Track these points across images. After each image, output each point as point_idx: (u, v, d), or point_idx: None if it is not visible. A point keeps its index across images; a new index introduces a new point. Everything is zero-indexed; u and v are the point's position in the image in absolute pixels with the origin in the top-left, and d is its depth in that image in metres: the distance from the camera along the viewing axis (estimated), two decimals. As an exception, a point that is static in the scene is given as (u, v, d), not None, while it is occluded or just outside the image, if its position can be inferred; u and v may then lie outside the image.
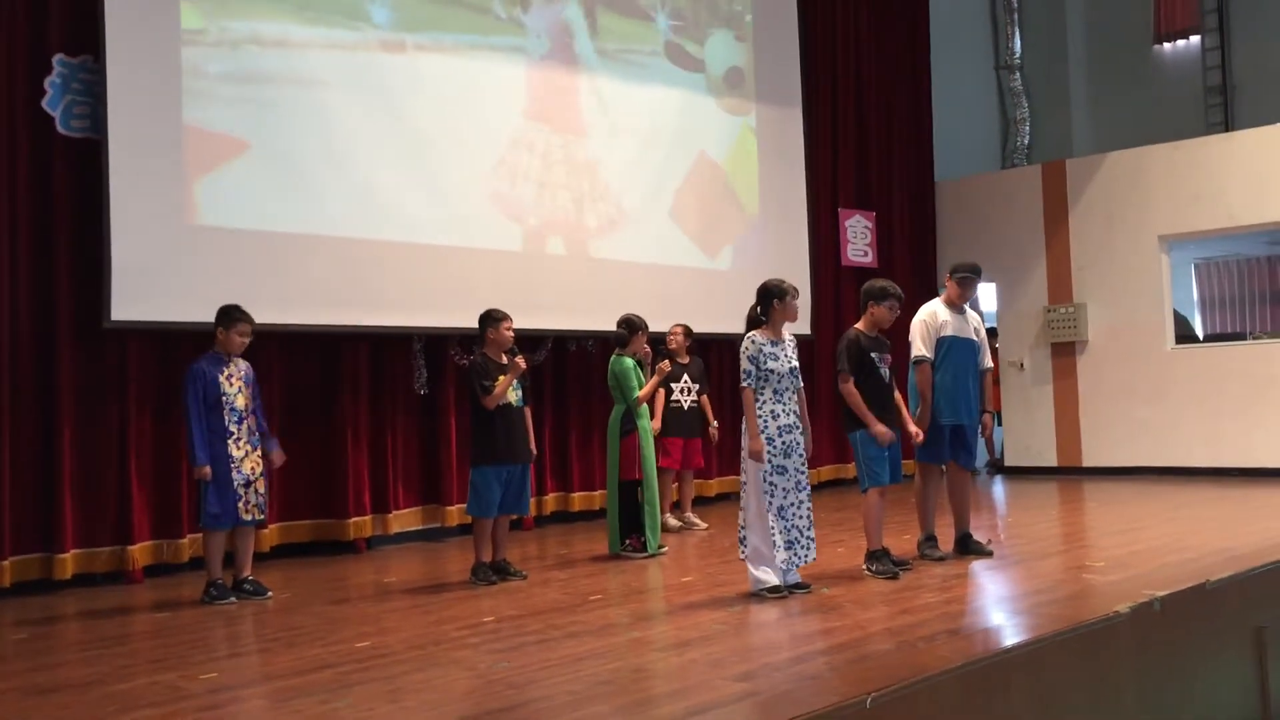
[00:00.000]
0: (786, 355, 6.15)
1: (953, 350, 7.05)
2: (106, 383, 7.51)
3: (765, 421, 6.02)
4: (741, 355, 6.10)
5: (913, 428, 6.75)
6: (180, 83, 7.69)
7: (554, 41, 9.87)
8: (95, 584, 7.37)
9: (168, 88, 7.64)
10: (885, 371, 6.62)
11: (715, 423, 9.20)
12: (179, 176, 7.66)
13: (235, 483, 6.56)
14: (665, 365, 8.25)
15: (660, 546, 7.79)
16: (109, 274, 7.29)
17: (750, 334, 6.13)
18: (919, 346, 7.06)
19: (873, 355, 6.57)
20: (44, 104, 7.32)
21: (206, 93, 7.81)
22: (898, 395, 6.73)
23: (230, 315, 6.69)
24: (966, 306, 7.27)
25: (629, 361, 7.91)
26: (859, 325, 6.73)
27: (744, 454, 6.07)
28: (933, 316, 7.13)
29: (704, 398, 9.13)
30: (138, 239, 7.41)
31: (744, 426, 6.09)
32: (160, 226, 7.55)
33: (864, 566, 6.56)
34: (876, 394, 6.55)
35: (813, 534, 6.10)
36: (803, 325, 11.20)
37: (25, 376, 7.20)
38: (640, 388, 7.88)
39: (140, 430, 7.60)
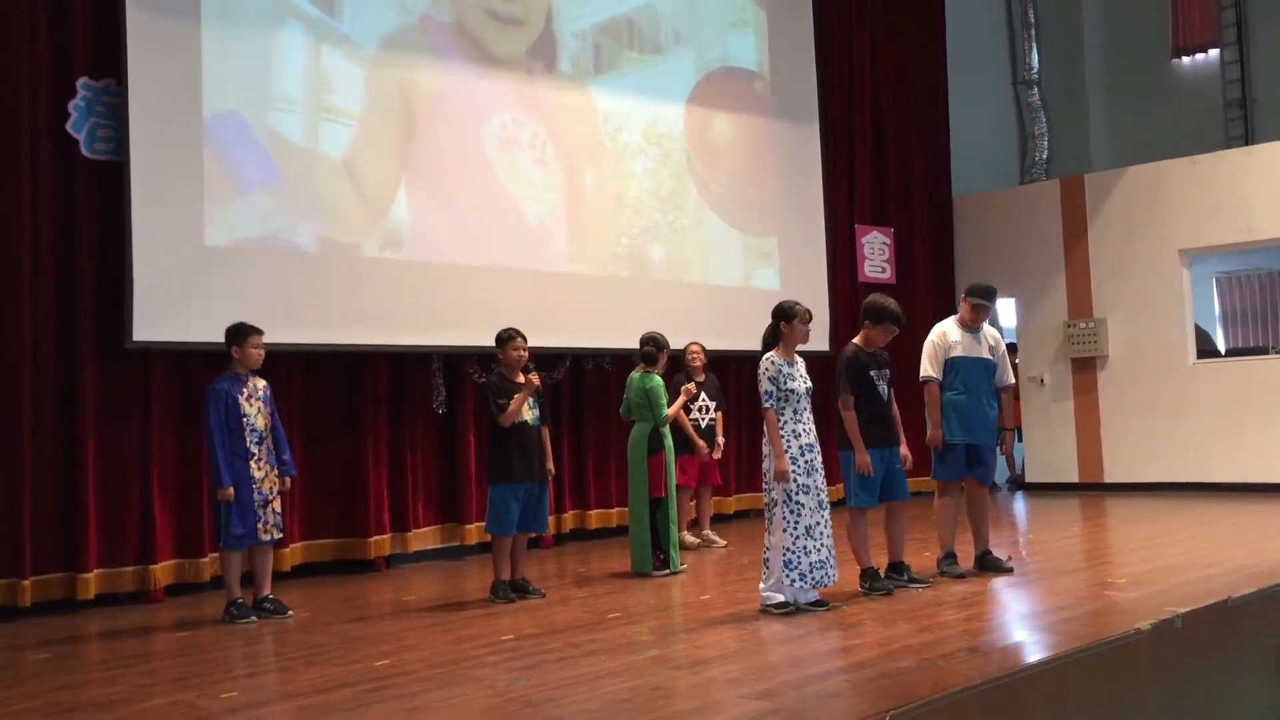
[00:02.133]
0: (802, 375, 6.19)
1: (963, 370, 7.02)
2: (128, 403, 7.56)
3: (788, 441, 6.04)
4: (761, 377, 6.11)
5: (904, 450, 6.65)
6: (201, 105, 7.77)
7: (571, 62, 9.93)
8: (118, 603, 7.41)
9: (189, 110, 7.71)
10: (884, 389, 6.58)
11: (721, 440, 9.13)
12: (200, 198, 7.72)
13: (255, 503, 6.60)
14: (691, 387, 8.23)
15: (680, 564, 7.79)
16: (131, 295, 7.36)
17: (768, 355, 6.15)
18: (925, 367, 7.06)
19: (871, 373, 6.54)
20: (68, 127, 7.41)
21: (227, 114, 7.88)
22: (895, 411, 6.67)
23: (240, 331, 6.75)
24: (984, 323, 7.24)
25: (660, 380, 7.92)
26: (856, 340, 6.69)
27: (767, 475, 6.08)
28: (942, 337, 7.11)
29: (719, 415, 9.11)
30: (160, 260, 7.48)
31: (765, 447, 6.10)
32: (182, 248, 7.62)
33: (860, 587, 6.52)
34: (874, 411, 6.51)
35: (834, 553, 6.12)
36: (821, 342, 11.19)
37: (48, 397, 7.26)
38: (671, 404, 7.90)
39: (162, 450, 7.65)
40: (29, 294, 7.19)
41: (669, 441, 7.89)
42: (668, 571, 7.64)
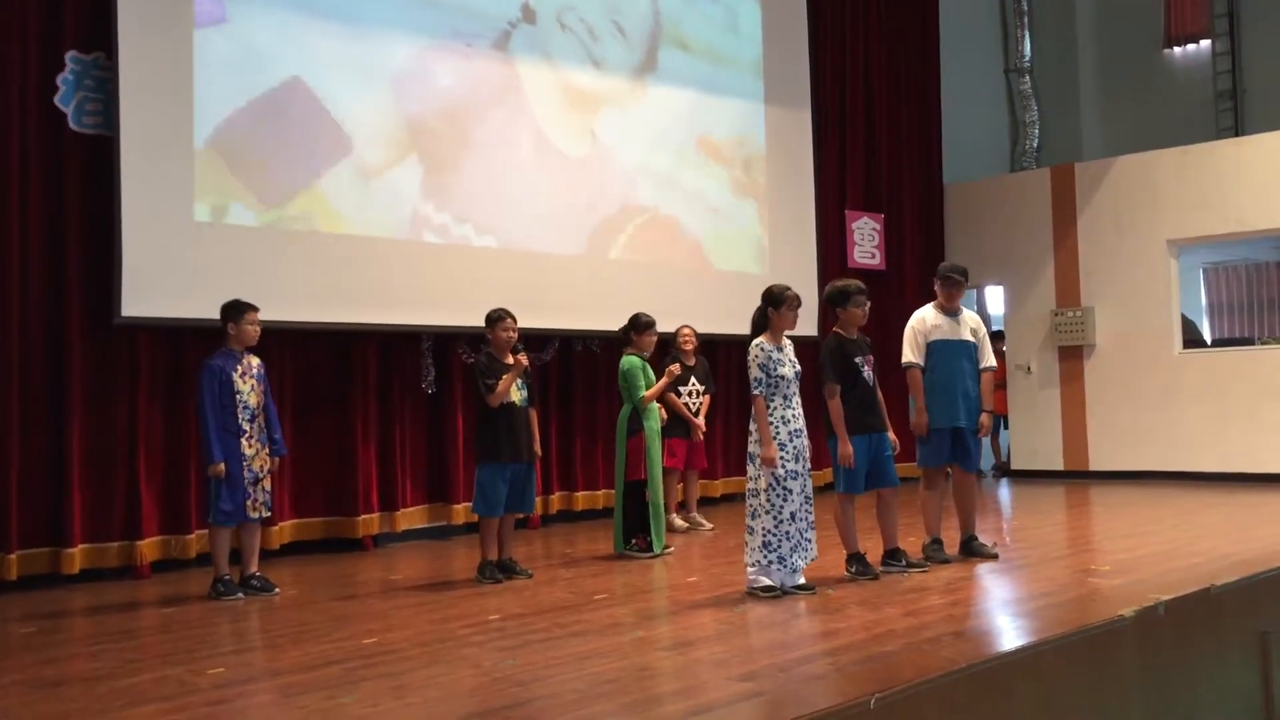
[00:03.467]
0: (790, 360, 6.18)
1: (944, 354, 7.03)
2: (116, 378, 7.53)
3: (777, 427, 6.04)
4: (751, 363, 6.10)
5: (892, 436, 6.61)
6: (192, 79, 7.72)
7: (560, 42, 9.89)
8: (103, 579, 7.40)
9: (179, 84, 7.67)
10: (869, 374, 6.56)
11: (701, 422, 9.03)
12: (190, 173, 7.68)
13: (245, 480, 6.60)
14: (675, 368, 8.22)
15: (666, 547, 7.80)
16: (119, 270, 7.33)
17: (758, 341, 6.14)
18: (906, 353, 7.06)
19: (856, 360, 6.52)
20: (56, 100, 7.36)
21: (218, 89, 7.84)
22: (881, 397, 6.65)
23: (237, 307, 6.73)
24: (962, 307, 7.23)
25: (636, 360, 7.92)
26: (836, 328, 6.67)
27: (753, 459, 6.08)
28: (921, 322, 7.12)
29: (706, 398, 9.12)
30: (148, 236, 7.45)
31: (753, 432, 6.10)
32: (171, 223, 7.58)
33: (846, 569, 6.53)
34: (862, 398, 6.49)
35: (814, 534, 6.14)
36: (810, 328, 11.19)
37: (35, 372, 7.23)
38: (647, 388, 7.89)
39: (149, 426, 7.63)
40: (16, 268, 7.15)
41: (650, 424, 7.87)
42: (650, 554, 7.65)
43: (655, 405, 7.99)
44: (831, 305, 6.67)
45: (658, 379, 8.14)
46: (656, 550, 7.69)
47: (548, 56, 9.75)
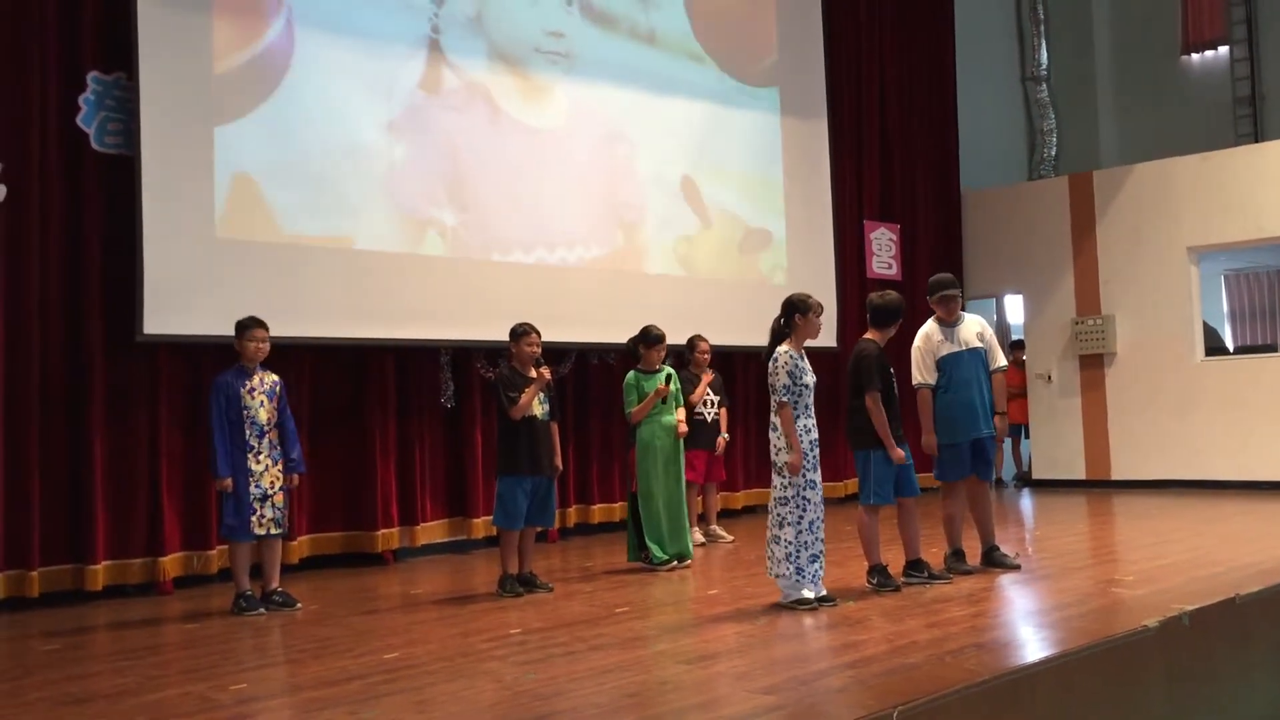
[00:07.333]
0: (809, 369, 6.18)
1: (956, 367, 6.98)
2: (137, 395, 7.58)
3: (800, 436, 6.03)
4: (779, 371, 6.07)
5: (898, 453, 6.48)
6: (211, 99, 7.78)
7: (577, 53, 9.92)
8: (126, 595, 7.44)
9: (199, 104, 7.73)
10: (894, 385, 6.61)
11: (726, 435, 9.14)
12: (210, 192, 7.74)
13: (252, 496, 6.62)
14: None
15: (680, 558, 7.78)
16: (141, 288, 7.38)
17: (783, 349, 6.12)
18: (916, 374, 7.01)
19: (891, 370, 6.56)
20: (78, 120, 7.43)
21: (236, 109, 7.89)
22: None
23: (240, 325, 6.78)
24: (962, 315, 7.19)
25: (630, 377, 7.96)
26: (873, 337, 6.65)
27: (780, 470, 6.06)
28: (926, 340, 7.07)
29: (722, 410, 9.12)
30: (169, 254, 7.50)
31: (776, 441, 6.08)
32: (192, 241, 7.63)
33: (868, 581, 6.51)
34: (892, 408, 6.51)
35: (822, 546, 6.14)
36: (828, 338, 11.20)
37: (57, 389, 7.28)
38: (638, 402, 7.87)
39: (170, 442, 7.67)
40: (38, 287, 7.22)
41: (644, 438, 7.84)
42: (650, 566, 7.67)
43: (671, 418, 7.94)
44: (892, 318, 6.65)
45: (683, 390, 8.21)
46: (655, 562, 7.67)
47: (555, 69, 9.77)
